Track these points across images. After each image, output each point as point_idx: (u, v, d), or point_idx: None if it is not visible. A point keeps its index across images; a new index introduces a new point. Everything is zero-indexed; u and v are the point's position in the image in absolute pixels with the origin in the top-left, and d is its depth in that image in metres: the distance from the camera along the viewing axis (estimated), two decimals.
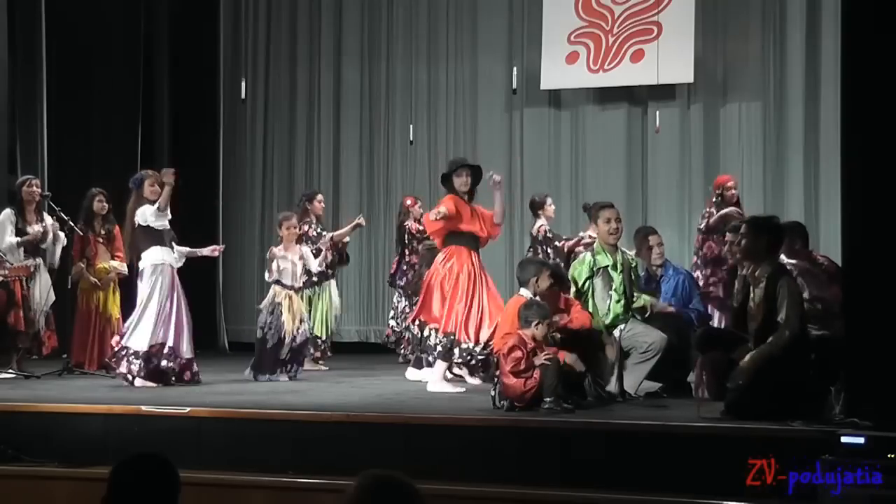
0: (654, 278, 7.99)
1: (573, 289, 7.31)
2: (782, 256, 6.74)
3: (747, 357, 6.08)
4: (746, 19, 11.49)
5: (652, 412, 6.64)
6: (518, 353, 6.63)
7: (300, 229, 9.36)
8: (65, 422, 6.71)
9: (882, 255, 5.73)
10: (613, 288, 7.22)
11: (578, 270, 7.31)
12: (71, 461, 6.40)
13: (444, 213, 7.96)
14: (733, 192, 9.39)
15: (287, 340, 8.65)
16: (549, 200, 10.24)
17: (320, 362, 9.94)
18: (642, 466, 5.78)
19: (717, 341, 6.68)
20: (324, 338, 10.01)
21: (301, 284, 8.95)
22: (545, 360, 6.57)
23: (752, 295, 6.33)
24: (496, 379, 6.88)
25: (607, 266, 7.25)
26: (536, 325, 6.73)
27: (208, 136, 12.76)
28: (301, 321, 8.77)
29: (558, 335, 6.93)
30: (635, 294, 7.40)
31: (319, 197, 10.35)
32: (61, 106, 11.31)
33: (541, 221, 10.09)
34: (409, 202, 10.72)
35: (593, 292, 7.23)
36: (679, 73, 11.33)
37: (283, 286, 8.75)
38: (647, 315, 7.50)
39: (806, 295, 6.59)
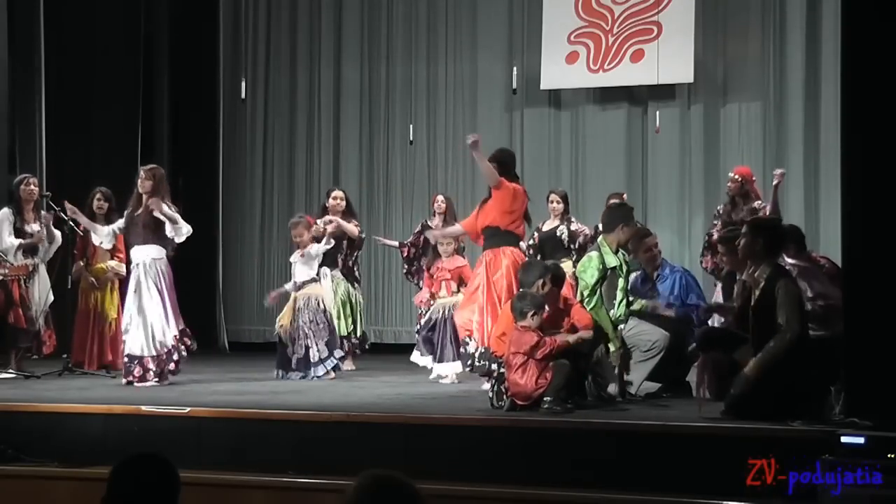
0: (650, 279, 7.97)
1: (586, 289, 7.14)
2: (784, 257, 6.73)
3: (750, 365, 6.04)
4: (746, 19, 11.49)
5: (652, 412, 6.64)
6: (539, 345, 6.59)
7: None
8: (65, 422, 6.71)
9: (882, 255, 5.72)
10: (620, 288, 7.20)
11: (590, 271, 7.14)
12: (71, 461, 6.40)
13: None
14: (730, 185, 9.30)
15: None
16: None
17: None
18: (643, 466, 5.77)
19: (719, 341, 6.67)
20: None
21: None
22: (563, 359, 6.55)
23: (752, 296, 6.32)
24: (494, 379, 6.87)
25: (615, 267, 7.22)
26: (532, 315, 6.72)
27: (208, 136, 12.76)
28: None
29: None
30: (632, 298, 7.39)
31: (334, 193, 10.03)
32: (61, 106, 11.29)
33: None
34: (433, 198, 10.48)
35: (602, 294, 7.19)
36: (679, 73, 11.33)
37: None
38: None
39: (809, 293, 6.57)
